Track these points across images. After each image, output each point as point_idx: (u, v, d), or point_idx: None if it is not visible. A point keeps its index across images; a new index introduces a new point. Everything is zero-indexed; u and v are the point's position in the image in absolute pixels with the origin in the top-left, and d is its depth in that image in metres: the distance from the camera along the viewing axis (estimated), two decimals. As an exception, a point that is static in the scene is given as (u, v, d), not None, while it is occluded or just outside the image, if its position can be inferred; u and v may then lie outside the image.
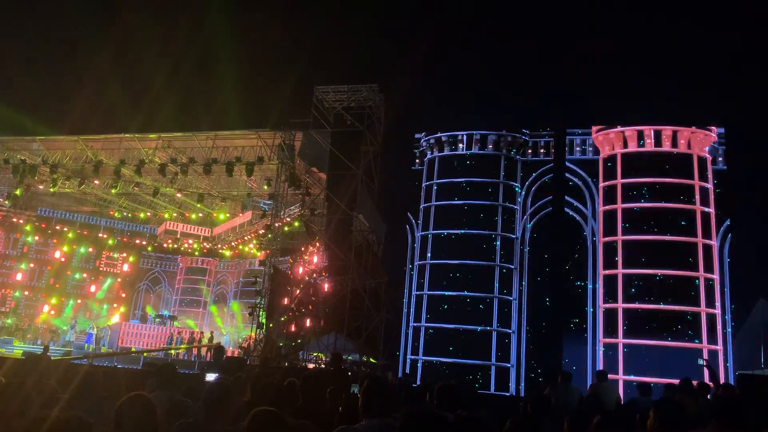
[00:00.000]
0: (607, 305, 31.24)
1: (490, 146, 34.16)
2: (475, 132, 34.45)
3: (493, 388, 30.90)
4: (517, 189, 34.30)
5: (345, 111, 25.49)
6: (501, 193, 33.51)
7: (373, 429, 3.67)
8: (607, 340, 30.65)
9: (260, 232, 30.91)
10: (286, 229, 28.17)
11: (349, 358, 22.37)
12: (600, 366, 29.26)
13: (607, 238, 31.98)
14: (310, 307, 27.95)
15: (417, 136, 36.65)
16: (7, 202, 33.81)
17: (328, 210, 24.87)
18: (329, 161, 24.82)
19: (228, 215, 35.14)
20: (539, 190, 33.90)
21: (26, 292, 34.78)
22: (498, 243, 33.25)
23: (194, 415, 4.41)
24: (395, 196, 32.72)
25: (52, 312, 34.49)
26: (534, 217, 33.71)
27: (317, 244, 28.03)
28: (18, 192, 31.52)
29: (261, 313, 24.49)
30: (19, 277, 34.69)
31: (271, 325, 25.12)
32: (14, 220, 34.73)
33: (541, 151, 34.51)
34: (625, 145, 32.25)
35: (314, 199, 26.01)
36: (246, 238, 34.19)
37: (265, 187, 26.77)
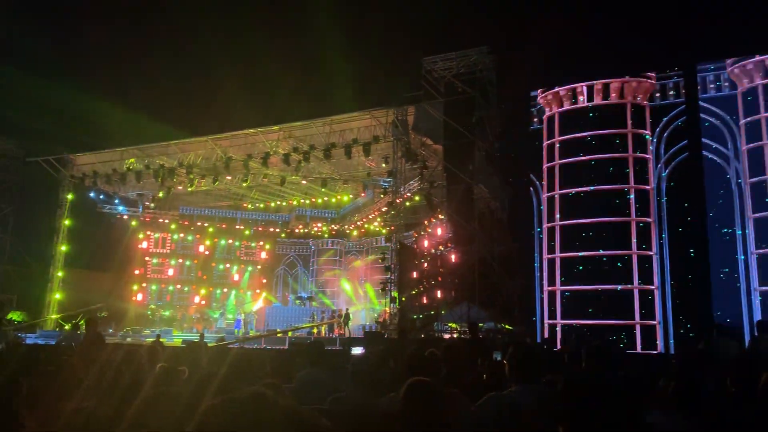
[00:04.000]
0: (761, 251, 29.04)
1: (614, 95, 32.11)
2: (595, 82, 32.41)
3: (639, 347, 29.74)
4: (647, 137, 32.30)
5: (455, 78, 24.86)
6: (630, 144, 31.59)
7: (523, 395, 3.67)
8: (764, 288, 28.46)
9: (383, 209, 31.01)
10: (407, 204, 28.07)
11: (484, 326, 21.90)
12: (759, 316, 27.19)
13: (753, 179, 29.65)
14: (440, 278, 27.60)
15: (533, 93, 35.21)
16: (152, 204, 35.67)
17: (448, 181, 24.45)
18: (444, 131, 24.22)
19: (351, 196, 35.58)
20: (672, 135, 31.58)
21: (178, 286, 36.78)
22: (632, 196, 31.58)
23: (345, 389, 4.55)
24: (516, 159, 31.17)
25: (203, 302, 36.32)
26: (669, 164, 31.37)
27: (440, 216, 27.61)
28: (161, 194, 32.99)
29: (392, 287, 24.61)
30: (170, 272, 36.77)
31: (403, 298, 25.16)
32: (161, 220, 36.90)
33: (671, 93, 32.02)
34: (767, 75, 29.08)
35: (432, 171, 25.35)
36: (370, 216, 34.69)
37: (383, 165, 26.78)
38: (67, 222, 31.72)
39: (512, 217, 27.71)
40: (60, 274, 31.01)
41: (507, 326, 24.15)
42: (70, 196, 31.85)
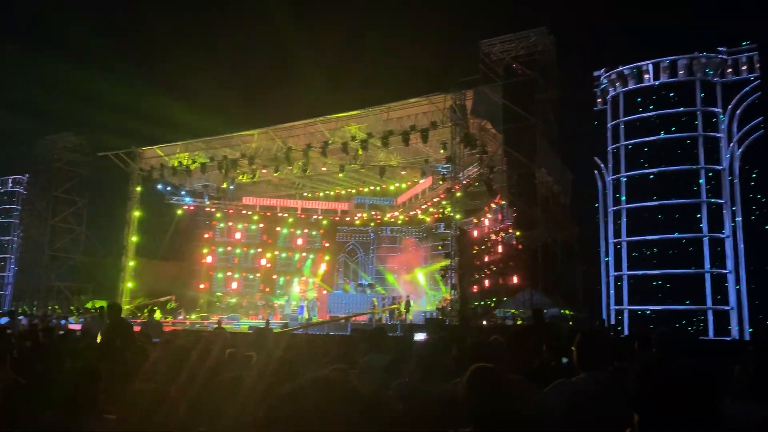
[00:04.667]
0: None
1: (682, 72, 30.87)
2: (662, 59, 31.27)
3: (711, 333, 28.80)
4: (720, 116, 30.79)
5: (514, 60, 24.30)
6: (700, 122, 30.28)
7: (591, 382, 3.63)
8: None
9: (441, 196, 30.48)
10: (467, 190, 27.54)
11: (548, 312, 21.32)
12: None
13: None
14: (500, 264, 27.51)
15: (596, 74, 34.36)
16: (217, 195, 36.25)
17: (508, 165, 23.84)
18: (503, 115, 23.44)
19: (409, 184, 35.31)
20: (746, 112, 30.20)
21: (243, 273, 37.46)
22: (702, 177, 30.44)
23: (408, 375, 4.53)
24: (579, 142, 30.99)
25: (267, 289, 37.04)
26: (742, 143, 29.99)
27: (500, 201, 27.36)
28: (225, 185, 33.20)
29: (452, 274, 24.45)
30: (235, 260, 37.35)
31: (464, 285, 24.98)
32: (225, 211, 37.49)
33: (743, 68, 30.42)
34: None
35: (492, 156, 24.96)
36: (429, 203, 34.47)
37: (441, 150, 26.16)
38: (137, 213, 32.19)
39: (576, 201, 27.54)
40: (131, 263, 31.58)
41: (571, 312, 23.86)
42: (139, 189, 32.35)
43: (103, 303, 23.49)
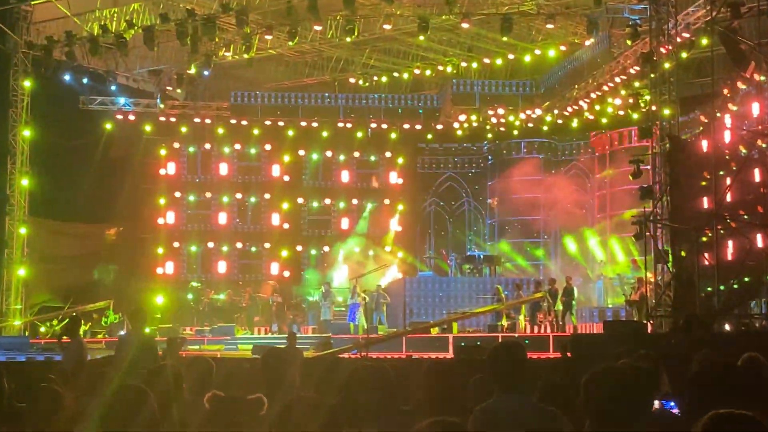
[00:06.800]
0: None
1: None
2: None
3: None
4: None
5: None
6: None
7: None
8: None
9: (630, 70, 24.51)
10: (683, 55, 22.82)
11: None
12: None
13: None
14: (760, 208, 20.32)
15: None
16: (179, 91, 29.65)
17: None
18: None
19: (564, 49, 27.25)
20: None
21: (237, 244, 30.14)
22: None
23: None
24: None
25: (286, 273, 29.75)
26: None
27: (755, 77, 20.79)
28: (193, 69, 27.30)
29: (658, 231, 20.52)
30: (222, 218, 29.50)
31: (683, 253, 19.94)
32: (197, 120, 30.26)
33: None
34: None
35: None
36: (604, 88, 26.31)
37: None
38: (26, 133, 25.85)
39: None
40: (23, 230, 25.16)
41: None
42: (28, 84, 26.33)
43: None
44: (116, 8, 25.63)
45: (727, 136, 22.50)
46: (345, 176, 31.77)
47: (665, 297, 20.37)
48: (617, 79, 26.63)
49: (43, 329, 25.14)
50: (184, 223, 31.01)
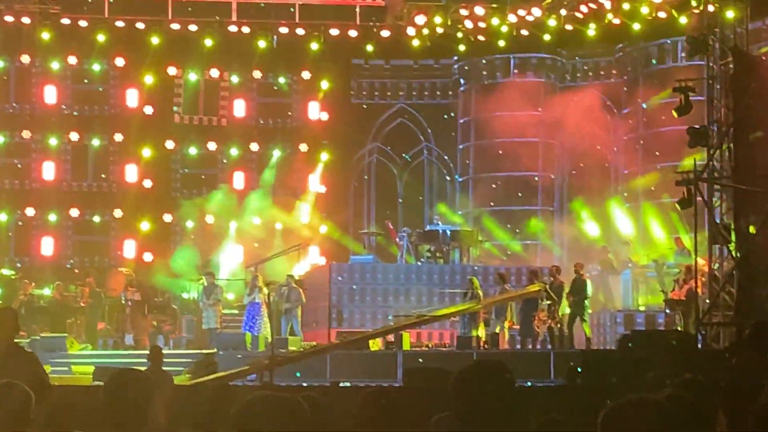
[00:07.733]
0: None
1: None
2: None
3: None
4: None
5: None
6: None
7: None
8: None
9: None
10: None
11: None
12: None
13: None
14: None
15: None
16: None
17: None
18: None
19: None
20: None
21: (73, 211, 25.62)
22: None
23: None
24: None
25: (147, 255, 25.92)
26: None
27: None
28: None
29: (718, 193, 19.50)
30: (48, 170, 24.91)
31: (752, 228, 18.52)
32: (10, 19, 24.78)
33: None
34: None
35: None
36: None
37: None
38: None
39: None
40: None
41: None
42: None
43: None
44: None
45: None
46: (239, 108, 26.15)
47: (724, 295, 18.71)
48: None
49: None
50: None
